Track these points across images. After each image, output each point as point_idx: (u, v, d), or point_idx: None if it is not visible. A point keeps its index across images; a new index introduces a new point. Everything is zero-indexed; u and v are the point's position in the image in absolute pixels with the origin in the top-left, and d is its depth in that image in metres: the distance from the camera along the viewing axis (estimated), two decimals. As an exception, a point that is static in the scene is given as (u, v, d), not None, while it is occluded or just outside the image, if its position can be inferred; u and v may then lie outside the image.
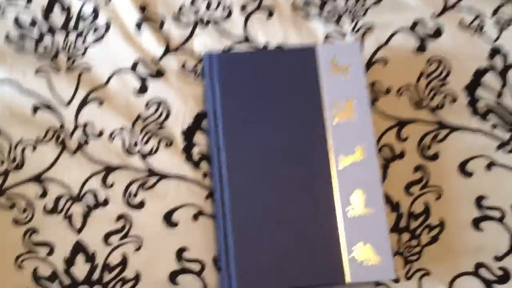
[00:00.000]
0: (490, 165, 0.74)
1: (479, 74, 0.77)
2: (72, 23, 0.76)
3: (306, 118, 0.69)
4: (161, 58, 0.75)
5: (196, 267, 0.68)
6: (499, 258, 0.70)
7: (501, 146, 0.74)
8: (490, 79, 0.77)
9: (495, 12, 0.79)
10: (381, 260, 0.65)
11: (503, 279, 0.70)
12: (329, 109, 0.69)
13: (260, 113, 0.69)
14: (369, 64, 0.77)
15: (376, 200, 0.67)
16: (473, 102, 0.76)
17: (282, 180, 0.67)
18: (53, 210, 0.69)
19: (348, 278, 0.64)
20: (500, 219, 0.72)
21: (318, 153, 0.68)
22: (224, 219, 0.66)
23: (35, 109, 0.72)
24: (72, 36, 0.75)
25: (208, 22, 0.77)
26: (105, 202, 0.69)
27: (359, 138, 0.69)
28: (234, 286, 0.64)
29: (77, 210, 0.69)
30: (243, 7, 0.78)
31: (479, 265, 0.70)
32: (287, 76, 0.70)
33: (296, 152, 0.68)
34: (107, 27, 0.76)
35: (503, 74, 0.77)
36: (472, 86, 0.77)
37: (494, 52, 0.78)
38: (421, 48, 0.78)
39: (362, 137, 0.69)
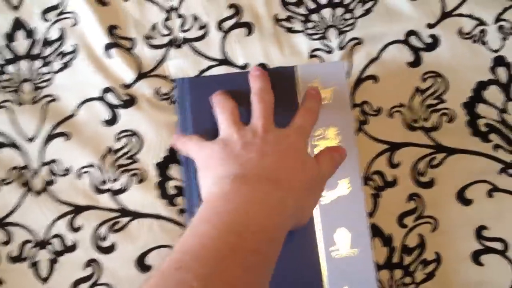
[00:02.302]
0: (492, 191, 0.67)
1: (480, 88, 0.70)
2: (37, 50, 0.71)
3: (286, 149, 0.64)
4: (132, 84, 0.70)
5: (171, 313, 0.63)
6: (501, 296, 0.65)
7: (504, 169, 0.68)
8: (492, 93, 0.70)
9: (497, 19, 0.72)
10: (367, 306, 0.60)
11: (506, 318, 0.64)
12: (311, 137, 0.64)
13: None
14: (359, 82, 0.70)
15: (362, 240, 0.61)
16: (473, 121, 0.69)
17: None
18: (18, 258, 0.64)
19: (332, 328, 0.59)
20: (503, 252, 0.66)
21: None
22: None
23: (-2, 147, 0.68)
24: (37, 64, 0.70)
25: (182, 43, 0.71)
26: (73, 247, 0.65)
27: (344, 171, 0.63)
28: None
29: (43, 256, 0.65)
30: (220, 25, 0.72)
31: (479, 304, 0.64)
32: (265, 100, 0.65)
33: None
34: (74, 52, 0.70)
35: (507, 87, 0.70)
36: (472, 103, 0.70)
37: (497, 63, 0.71)
38: (416, 61, 0.71)
39: (347, 171, 0.63)
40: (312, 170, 0.57)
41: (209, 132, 0.63)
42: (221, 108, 0.60)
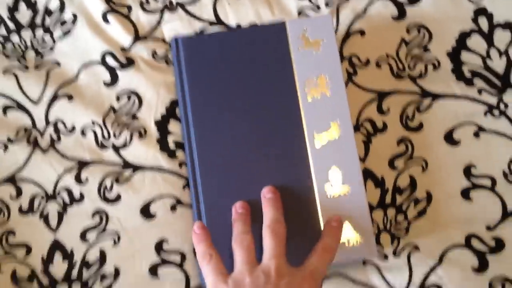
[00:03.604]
0: (478, 132, 0.70)
1: (463, 38, 0.74)
2: (38, 19, 0.74)
3: (279, 97, 0.67)
4: (130, 47, 0.73)
5: (176, 258, 0.67)
6: (491, 228, 0.68)
7: (488, 111, 0.71)
8: (475, 41, 0.74)
9: (476, -29, 0.76)
10: (362, 239, 0.63)
11: (497, 249, 0.67)
12: (302, 86, 0.67)
13: (231, 96, 0.67)
14: (346, 36, 0.74)
15: (354, 178, 0.64)
16: (457, 68, 0.73)
17: (257, 163, 0.65)
18: (29, 210, 0.68)
19: (328, 260, 0.62)
20: (491, 187, 0.69)
21: (293, 133, 0.66)
22: (198, 208, 0.64)
23: (5, 109, 0.71)
24: (39, 32, 0.74)
25: (176, 6, 0.75)
26: (80, 199, 0.68)
27: (334, 114, 0.66)
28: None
29: (52, 208, 0.68)
30: (212, -12, 0.75)
31: (470, 236, 0.67)
32: (257, 55, 0.68)
33: (270, 133, 0.66)
34: (74, 20, 0.74)
35: (488, 35, 0.73)
36: (456, 51, 0.73)
37: (479, 13, 0.74)
38: (401, 14, 0.74)
39: (338, 113, 0.66)
40: None
41: (208, 96, 0.67)
42: (239, 244, 0.59)
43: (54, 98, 0.71)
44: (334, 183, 0.64)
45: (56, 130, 0.70)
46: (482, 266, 0.67)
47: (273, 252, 0.57)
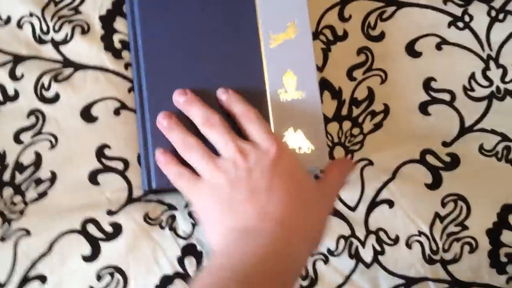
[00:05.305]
0: (441, 44, 0.68)
1: None
2: None
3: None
4: None
5: (118, 165, 0.63)
6: (448, 144, 0.66)
7: (453, 22, 0.68)
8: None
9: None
10: (313, 147, 0.60)
11: (452, 165, 0.65)
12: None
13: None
14: None
15: (309, 83, 0.61)
16: (423, -25, 0.69)
17: (207, 63, 0.61)
18: (-42, 108, 0.62)
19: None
20: (450, 102, 0.66)
21: (246, 31, 0.62)
22: (142, 111, 0.60)
23: None
24: None
25: None
26: (15, 96, 0.63)
27: (292, 13, 0.62)
28: (153, 182, 0.59)
29: (-17, 106, 0.63)
30: None
31: (425, 152, 0.65)
32: None
33: (222, 30, 0.61)
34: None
35: None
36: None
37: None
38: None
39: (295, 13, 0.62)
40: (310, 193, 0.53)
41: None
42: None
43: (-13, -15, 0.65)
44: (288, 88, 0.61)
45: (-11, 21, 0.64)
46: (436, 183, 0.65)
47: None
